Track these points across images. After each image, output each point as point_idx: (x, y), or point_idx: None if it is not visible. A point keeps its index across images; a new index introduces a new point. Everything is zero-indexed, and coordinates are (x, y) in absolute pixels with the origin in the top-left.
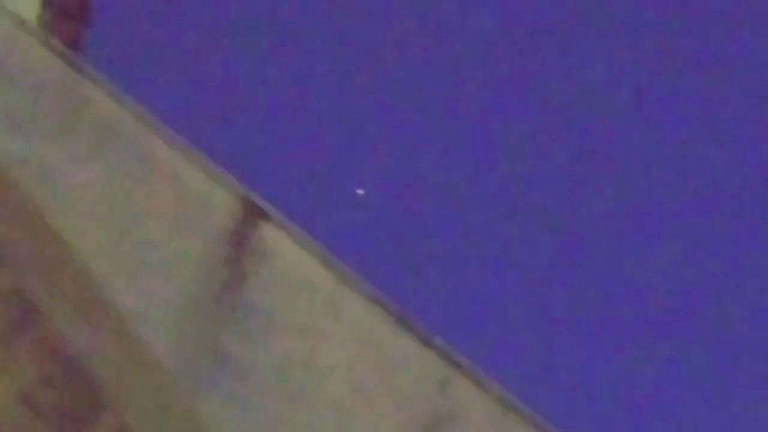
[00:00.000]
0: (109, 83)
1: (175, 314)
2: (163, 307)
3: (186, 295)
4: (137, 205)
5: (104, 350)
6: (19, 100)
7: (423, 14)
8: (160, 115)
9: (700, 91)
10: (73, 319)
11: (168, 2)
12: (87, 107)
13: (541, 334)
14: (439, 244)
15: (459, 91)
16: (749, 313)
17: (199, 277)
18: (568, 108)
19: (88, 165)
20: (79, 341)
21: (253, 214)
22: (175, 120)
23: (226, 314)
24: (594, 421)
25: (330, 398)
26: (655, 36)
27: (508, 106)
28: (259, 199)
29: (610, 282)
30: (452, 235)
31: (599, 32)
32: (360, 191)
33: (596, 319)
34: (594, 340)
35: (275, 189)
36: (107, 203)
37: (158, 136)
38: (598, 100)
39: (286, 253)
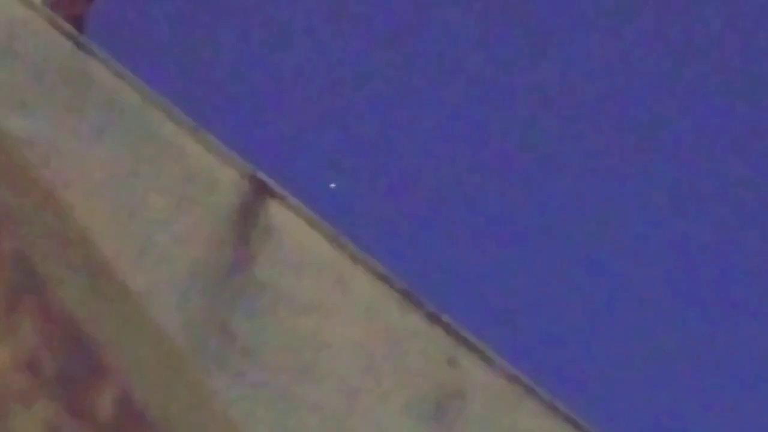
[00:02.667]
0: (115, 62)
1: (183, 293)
2: (170, 286)
3: (194, 273)
4: (144, 184)
5: (108, 317)
6: (24, 80)
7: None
8: (166, 94)
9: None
10: (77, 287)
11: None
12: (92, 86)
13: (550, 310)
14: (447, 221)
15: (454, 78)
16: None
17: (206, 255)
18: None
19: (94, 144)
20: (81, 308)
21: (260, 191)
22: (182, 98)
23: (234, 293)
24: (603, 397)
25: (338, 376)
26: None
27: (507, 90)
28: (267, 177)
29: (617, 259)
30: (460, 211)
31: None
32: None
33: (604, 296)
34: (602, 317)
35: (282, 166)
36: (114, 182)
37: (164, 114)
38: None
39: (294, 230)
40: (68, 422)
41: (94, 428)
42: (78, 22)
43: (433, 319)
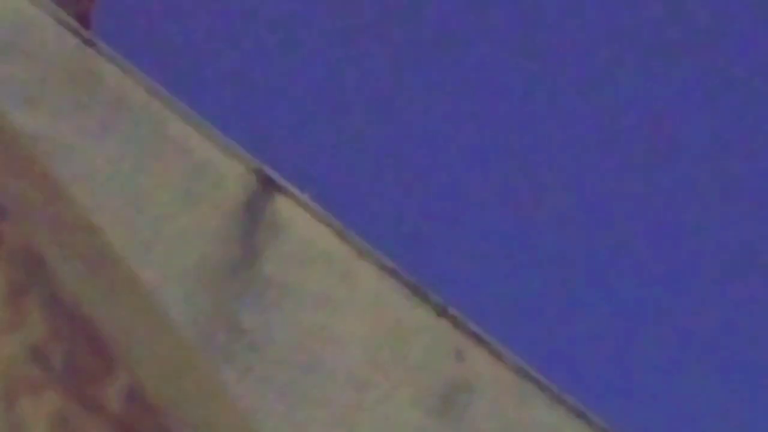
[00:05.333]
0: (121, 58)
1: (190, 287)
2: (178, 281)
3: (201, 268)
4: (150, 179)
5: (117, 309)
6: (31, 76)
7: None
8: (172, 90)
9: None
10: (86, 280)
11: None
12: (99, 82)
13: (558, 303)
14: (453, 216)
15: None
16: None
17: (213, 250)
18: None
19: (101, 140)
20: (90, 301)
21: (267, 186)
22: (188, 94)
23: (241, 287)
24: (611, 389)
25: (346, 369)
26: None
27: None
28: (273, 172)
29: (623, 256)
30: (466, 207)
31: None
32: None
33: (611, 290)
34: (610, 311)
35: (289, 161)
36: (120, 177)
37: (170, 109)
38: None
39: (301, 225)
40: (76, 412)
41: (102, 419)
42: (84, 18)
43: (441, 312)
